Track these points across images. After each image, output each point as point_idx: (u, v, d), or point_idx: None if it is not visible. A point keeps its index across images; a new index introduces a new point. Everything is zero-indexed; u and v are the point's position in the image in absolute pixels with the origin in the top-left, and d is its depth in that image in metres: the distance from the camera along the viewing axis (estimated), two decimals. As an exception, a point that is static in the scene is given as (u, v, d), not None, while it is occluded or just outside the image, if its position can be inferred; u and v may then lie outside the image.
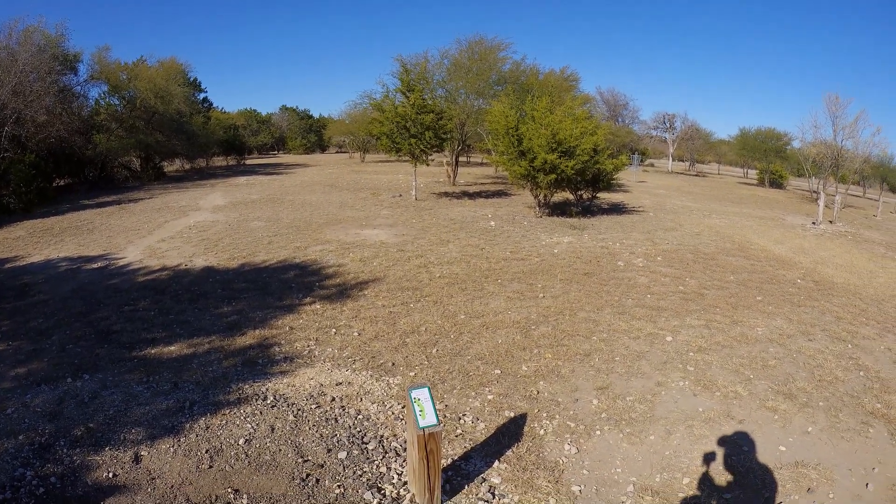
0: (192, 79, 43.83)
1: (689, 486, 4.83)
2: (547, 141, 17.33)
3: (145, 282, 10.30)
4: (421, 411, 4.13)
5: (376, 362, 7.01)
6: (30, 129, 20.53)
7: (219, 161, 47.23)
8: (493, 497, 4.55)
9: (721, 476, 4.99)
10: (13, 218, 16.94)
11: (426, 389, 4.24)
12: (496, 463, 5.03)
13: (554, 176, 17.54)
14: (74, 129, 23.68)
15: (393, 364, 6.97)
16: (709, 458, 5.23)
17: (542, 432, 5.57)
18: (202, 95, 50.88)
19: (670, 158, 66.53)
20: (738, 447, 5.42)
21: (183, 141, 33.16)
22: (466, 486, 4.67)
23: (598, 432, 5.59)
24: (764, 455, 5.31)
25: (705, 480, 4.91)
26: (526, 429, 5.62)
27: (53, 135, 21.57)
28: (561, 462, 5.10)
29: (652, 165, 69.01)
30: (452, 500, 4.50)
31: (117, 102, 30.29)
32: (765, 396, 6.42)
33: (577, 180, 19.30)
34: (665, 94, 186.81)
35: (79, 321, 8.26)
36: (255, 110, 71.95)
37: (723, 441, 5.50)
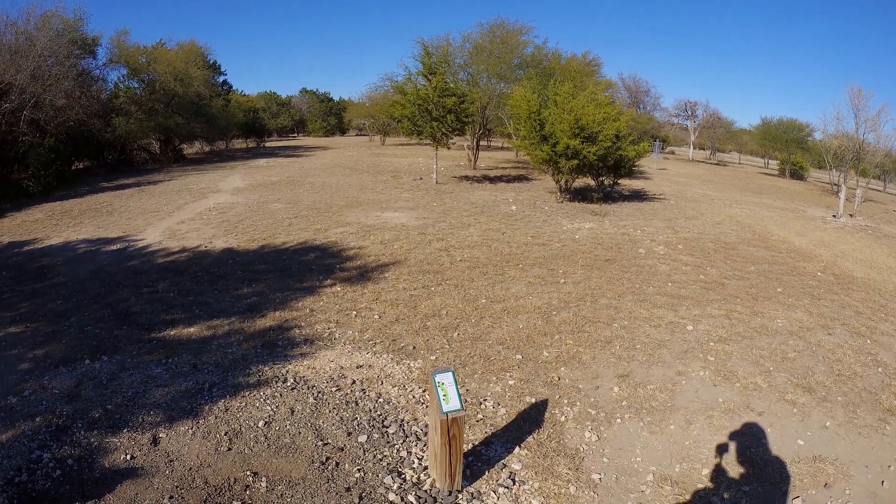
0: (211, 62, 44.01)
1: (707, 477, 4.78)
2: (569, 126, 17.21)
3: (164, 263, 10.35)
4: (445, 396, 4.10)
5: (397, 345, 7.00)
6: (48, 113, 20.66)
7: (238, 143, 47.55)
8: (514, 483, 4.53)
9: (739, 468, 4.93)
10: (32, 201, 17.07)
11: (451, 374, 4.19)
12: (517, 449, 5.00)
13: (576, 161, 17.45)
14: (93, 112, 23.86)
15: (414, 347, 6.96)
16: (728, 449, 5.17)
17: (562, 419, 5.54)
18: (222, 78, 51.19)
19: (691, 146, 65.67)
20: (756, 439, 5.36)
21: (202, 124, 33.32)
22: (487, 472, 4.65)
23: (618, 420, 5.55)
24: (782, 448, 5.25)
25: (724, 472, 4.86)
26: (547, 415, 5.59)
27: (72, 118, 21.70)
28: (581, 449, 5.06)
29: (673, 153, 68.31)
30: (473, 485, 4.48)
31: (136, 86, 30.40)
32: (784, 389, 6.34)
33: (599, 166, 19.14)
34: (687, 81, 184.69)
35: (97, 303, 8.29)
36: (274, 93, 72.40)
37: (742, 433, 5.44)
